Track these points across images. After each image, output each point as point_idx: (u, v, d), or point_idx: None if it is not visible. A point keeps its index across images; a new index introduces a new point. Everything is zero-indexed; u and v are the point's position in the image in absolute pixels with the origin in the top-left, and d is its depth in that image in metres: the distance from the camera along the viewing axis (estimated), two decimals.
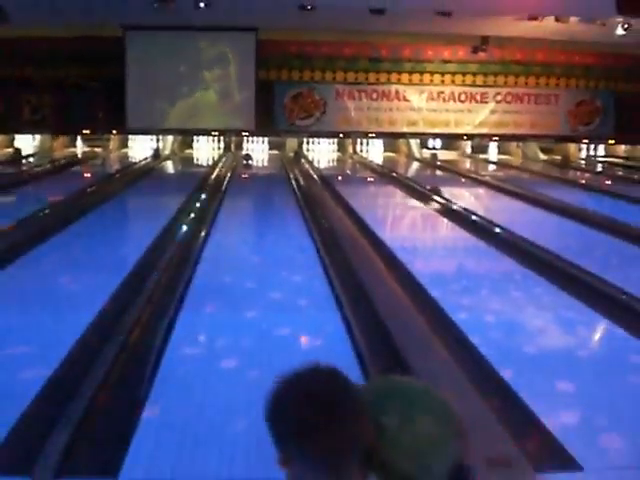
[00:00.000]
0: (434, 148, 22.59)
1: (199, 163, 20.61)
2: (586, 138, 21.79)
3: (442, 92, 20.23)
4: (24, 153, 19.73)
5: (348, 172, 19.51)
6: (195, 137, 22.09)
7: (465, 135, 21.09)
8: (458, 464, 1.61)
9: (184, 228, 9.30)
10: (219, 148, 22.07)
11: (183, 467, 3.37)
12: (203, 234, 9.00)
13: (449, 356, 4.73)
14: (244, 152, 20.83)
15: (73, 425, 3.63)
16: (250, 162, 19.16)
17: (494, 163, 21.43)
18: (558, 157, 21.83)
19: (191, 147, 22.42)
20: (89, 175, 16.98)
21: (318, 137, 21.55)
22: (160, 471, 3.33)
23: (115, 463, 3.37)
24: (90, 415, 3.84)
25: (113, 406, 4.06)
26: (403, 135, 20.96)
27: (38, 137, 21.21)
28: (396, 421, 1.58)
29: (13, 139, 21.43)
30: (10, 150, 20.24)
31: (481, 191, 14.98)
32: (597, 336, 5.87)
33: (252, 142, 21.99)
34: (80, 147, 22.39)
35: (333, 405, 1.49)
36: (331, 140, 22.02)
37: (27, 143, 20.98)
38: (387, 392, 1.67)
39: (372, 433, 1.54)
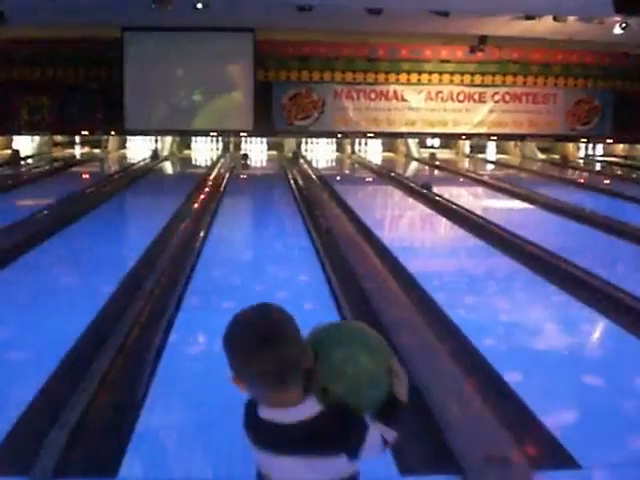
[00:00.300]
0: (432, 147, 22.62)
1: (197, 164, 20.62)
2: (584, 137, 21.81)
3: (440, 92, 20.26)
4: (23, 154, 19.76)
5: (347, 172, 19.51)
6: (193, 138, 22.11)
7: (463, 135, 21.11)
8: (390, 395, 1.98)
9: (183, 228, 9.29)
10: (217, 149, 22.09)
11: (182, 467, 3.38)
12: (202, 234, 9.01)
13: (449, 356, 4.73)
14: (242, 152, 20.91)
15: (71, 425, 3.63)
16: (248, 162, 19.22)
17: (492, 162, 21.45)
18: (556, 156, 21.86)
19: (189, 148, 22.43)
20: (88, 176, 16.99)
21: (317, 137, 21.57)
22: (158, 471, 3.33)
23: (113, 463, 3.37)
24: (88, 415, 3.84)
25: (111, 406, 4.05)
26: (401, 135, 20.98)
27: (37, 138, 21.22)
28: (342, 355, 1.94)
29: (11, 140, 21.45)
30: (8, 151, 20.26)
31: (480, 190, 14.98)
32: (597, 335, 5.87)
33: (250, 142, 22.02)
34: (78, 149, 22.42)
35: (267, 335, 1.84)
36: (330, 140, 22.04)
37: (26, 144, 20.99)
38: (334, 332, 2.05)
39: (309, 359, 1.90)
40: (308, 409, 1.90)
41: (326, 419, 1.89)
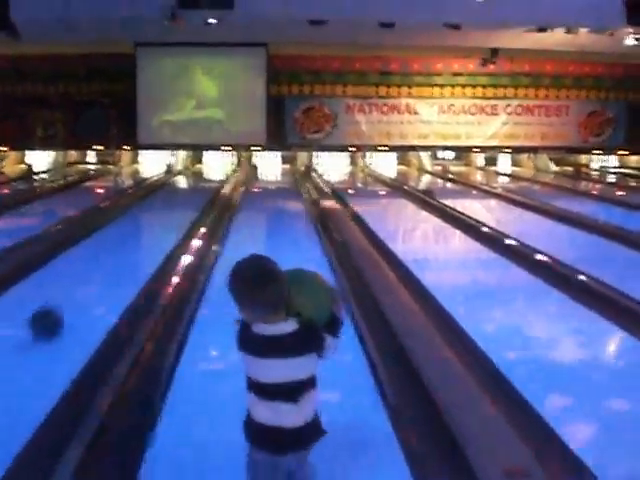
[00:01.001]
0: (444, 159, 22.61)
1: (210, 178, 20.66)
2: (597, 149, 21.74)
3: (452, 105, 20.28)
4: (36, 169, 19.87)
5: (359, 185, 19.52)
6: (206, 152, 22.16)
7: (476, 147, 21.09)
8: (333, 315, 2.90)
9: (196, 242, 9.30)
10: (232, 163, 22.13)
11: None
12: (215, 248, 9.02)
13: (464, 369, 4.71)
14: (252, 163, 21.24)
15: (87, 442, 3.62)
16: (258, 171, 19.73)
17: (505, 175, 21.41)
18: (570, 168, 21.80)
19: (201, 162, 22.48)
20: (102, 191, 17.05)
21: (329, 151, 21.58)
22: None
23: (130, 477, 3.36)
24: (103, 431, 3.83)
25: (127, 422, 4.05)
26: (414, 148, 20.98)
27: (52, 153, 21.34)
28: (308, 291, 2.87)
29: (25, 156, 21.59)
30: (22, 166, 20.39)
31: (493, 203, 14.95)
32: (612, 347, 5.84)
33: (262, 157, 22.06)
34: (92, 163, 22.51)
35: (267, 273, 2.72)
36: (342, 154, 22.06)
37: (39, 159, 21.11)
38: (300, 276, 2.93)
39: (285, 292, 2.73)
40: (290, 325, 2.75)
41: (302, 331, 2.76)
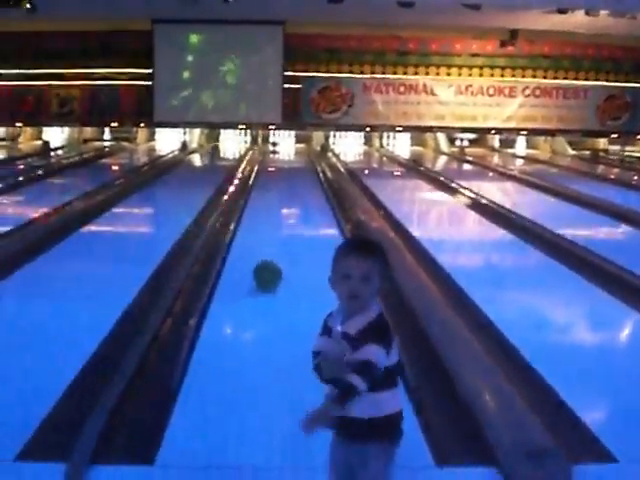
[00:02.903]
0: (462, 140, 22.51)
1: (226, 156, 20.67)
2: (615, 133, 21.59)
3: (470, 86, 20.14)
4: (52, 145, 19.93)
5: (375, 166, 19.47)
6: (222, 130, 22.16)
7: (493, 129, 20.98)
8: None
9: (213, 220, 9.32)
10: (246, 142, 22.14)
11: (218, 454, 3.38)
12: (232, 226, 9.04)
13: (483, 351, 4.71)
14: (271, 141, 21.23)
15: (108, 412, 3.65)
16: (277, 149, 19.60)
17: (522, 157, 21.31)
18: (587, 152, 21.68)
19: (218, 140, 22.50)
20: (117, 168, 17.10)
21: (345, 131, 21.53)
22: (196, 457, 3.34)
23: (151, 449, 3.39)
24: (125, 402, 3.87)
25: (147, 393, 4.08)
26: (430, 129, 20.88)
27: (66, 130, 21.41)
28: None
29: (41, 132, 21.67)
30: (39, 142, 20.46)
31: (509, 185, 14.90)
32: (629, 330, 5.82)
33: (278, 135, 22.06)
34: (108, 140, 22.57)
35: (360, 245, 2.69)
36: (358, 134, 22.01)
37: (56, 136, 21.18)
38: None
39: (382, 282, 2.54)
40: (372, 312, 2.50)
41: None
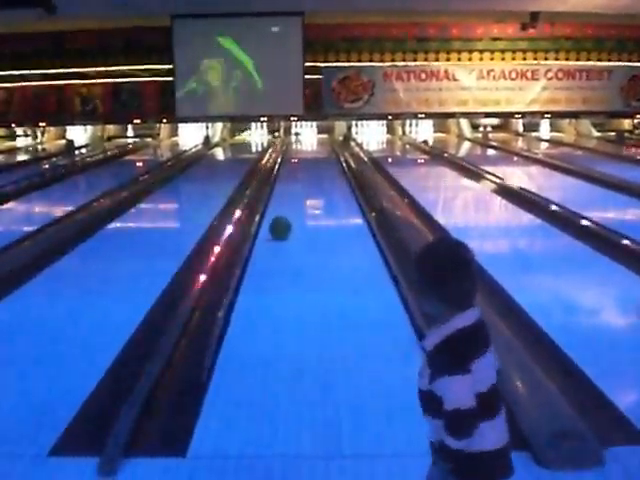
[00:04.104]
0: (485, 127, 22.37)
1: (249, 149, 20.70)
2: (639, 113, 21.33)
3: (492, 70, 19.94)
4: (76, 144, 20.06)
5: (398, 153, 19.41)
6: (244, 123, 22.20)
7: (517, 113, 20.81)
8: None
9: (238, 212, 9.34)
10: (268, 133, 22.17)
11: (250, 444, 3.40)
12: (257, 218, 9.05)
13: (512, 336, 4.68)
14: (295, 131, 21.38)
15: (141, 405, 3.68)
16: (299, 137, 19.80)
17: (546, 141, 21.14)
18: (612, 133, 21.45)
19: (240, 133, 22.56)
20: (141, 164, 17.19)
21: (367, 119, 21.47)
22: (227, 448, 3.36)
23: (183, 441, 3.41)
24: (157, 395, 3.90)
25: (179, 385, 4.11)
26: (453, 115, 20.75)
27: (89, 128, 21.56)
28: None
29: (65, 131, 21.83)
30: (63, 141, 20.61)
31: (534, 169, 14.79)
32: None
33: (301, 126, 22.07)
34: (131, 137, 22.70)
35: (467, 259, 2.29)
36: (380, 122, 21.95)
37: (79, 134, 21.34)
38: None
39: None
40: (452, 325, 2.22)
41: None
